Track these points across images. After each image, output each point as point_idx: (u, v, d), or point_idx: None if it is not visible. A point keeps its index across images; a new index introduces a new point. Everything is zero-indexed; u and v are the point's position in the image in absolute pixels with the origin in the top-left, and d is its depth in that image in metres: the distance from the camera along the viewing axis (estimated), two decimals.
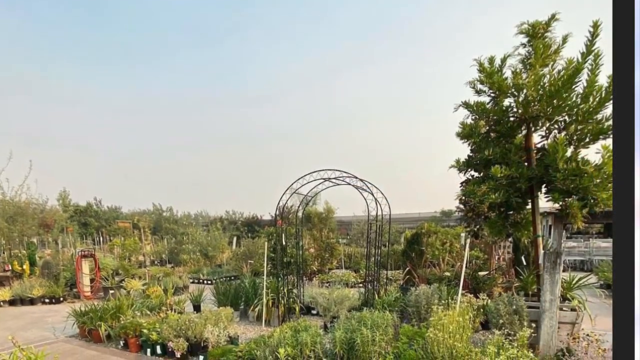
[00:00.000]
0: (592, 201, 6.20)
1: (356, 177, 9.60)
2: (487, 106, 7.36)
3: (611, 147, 5.81)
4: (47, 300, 14.35)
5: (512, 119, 7.29)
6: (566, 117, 6.83)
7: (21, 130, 66.01)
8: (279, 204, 10.16)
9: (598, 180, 5.99)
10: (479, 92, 7.49)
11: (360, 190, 9.99)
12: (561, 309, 6.46)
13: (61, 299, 14.64)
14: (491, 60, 7.23)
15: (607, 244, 23.85)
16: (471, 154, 7.88)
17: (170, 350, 7.60)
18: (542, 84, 6.65)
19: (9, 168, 19.18)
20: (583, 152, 6.62)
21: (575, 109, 6.51)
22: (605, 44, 6.27)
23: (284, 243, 11.20)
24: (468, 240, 9.05)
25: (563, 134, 6.77)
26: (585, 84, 6.37)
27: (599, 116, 6.43)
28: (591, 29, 6.19)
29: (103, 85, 70.80)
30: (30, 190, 19.84)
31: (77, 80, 68.22)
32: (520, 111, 7.01)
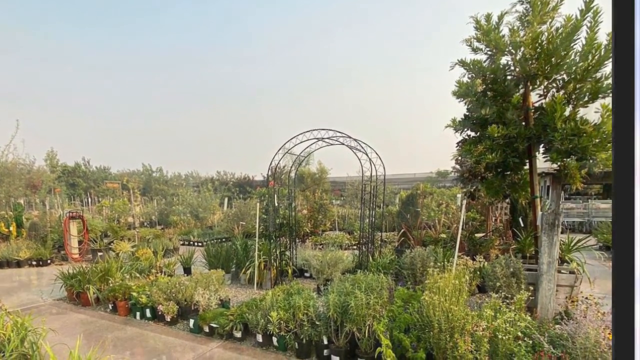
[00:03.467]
0: (591, 161, 6.19)
1: (350, 137, 9.51)
2: (484, 64, 7.17)
3: (610, 106, 5.69)
4: (34, 263, 14.15)
5: (509, 77, 7.13)
6: (564, 76, 6.65)
7: (8, 90, 64.77)
8: (271, 164, 10.02)
9: (597, 140, 5.91)
10: (475, 50, 7.30)
11: (355, 151, 9.90)
12: (559, 272, 6.41)
13: (49, 261, 14.44)
14: (488, 17, 7.02)
15: (606, 205, 23.79)
16: (467, 114, 7.70)
17: (160, 313, 7.46)
18: (539, 41, 6.45)
19: None
20: (582, 112, 6.46)
21: (573, 68, 6.32)
22: (604, 1, 6.13)
23: (276, 204, 11.03)
24: (464, 202, 8.99)
25: (561, 92, 6.61)
26: (583, 42, 6.15)
27: (598, 75, 6.26)
28: None
29: (91, 45, 69.38)
30: (17, 150, 19.44)
31: (65, 39, 66.78)
32: (517, 69, 6.85)
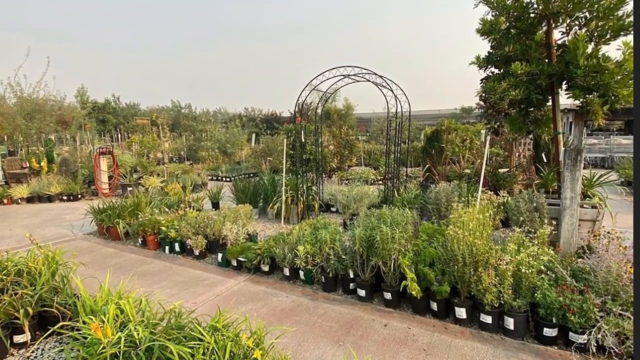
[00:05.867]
0: (612, 98, 6.17)
1: (376, 74, 9.43)
2: (508, 2, 7.00)
3: (632, 44, 5.75)
4: (64, 198, 14.43)
5: (532, 15, 6.96)
6: (587, 14, 6.51)
7: (38, 27, 64.69)
8: (298, 100, 9.93)
9: (619, 77, 5.92)
10: None
11: (380, 87, 9.83)
12: (582, 207, 6.35)
13: (79, 196, 14.70)
14: None
15: (627, 140, 23.81)
16: (491, 51, 7.68)
17: (188, 247, 7.57)
18: None
19: (27, 64, 18.80)
20: (604, 49, 6.33)
21: (595, 5, 6.21)
22: None
23: (303, 140, 10.91)
24: (488, 137, 9.01)
25: (584, 30, 6.53)
26: None
27: (620, 12, 6.14)
28: None
29: None
30: (48, 87, 19.49)
31: None
32: (540, 7, 6.70)
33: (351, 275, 5.70)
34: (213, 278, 6.44)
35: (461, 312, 4.75)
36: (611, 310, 3.98)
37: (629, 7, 6.05)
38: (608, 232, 5.10)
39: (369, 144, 27.00)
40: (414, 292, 4.80)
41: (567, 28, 6.92)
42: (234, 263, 6.82)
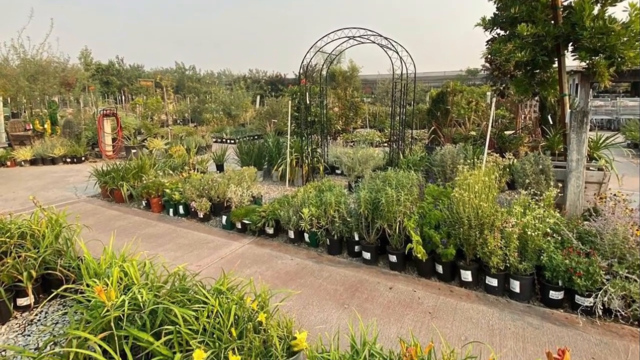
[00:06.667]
0: (619, 59, 6.17)
1: (381, 36, 9.38)
2: None
3: (638, 5, 5.78)
4: (68, 160, 14.39)
5: None
6: None
7: None
8: (303, 62, 9.87)
9: (625, 39, 5.96)
10: None
11: (385, 49, 9.77)
12: (588, 169, 6.30)
13: (83, 158, 14.68)
14: None
15: (634, 102, 23.89)
16: (497, 12, 7.61)
17: (192, 210, 7.55)
18: None
19: (30, 26, 18.59)
20: (610, 10, 6.32)
21: None
22: None
23: (308, 102, 10.77)
24: (494, 99, 8.95)
25: None
26: None
27: None
28: None
29: None
30: (52, 48, 19.40)
31: None
32: None
33: (356, 238, 5.67)
34: (217, 241, 6.44)
35: (467, 275, 4.73)
36: (617, 273, 3.94)
37: None
38: (614, 195, 5.09)
39: (374, 106, 26.76)
40: (419, 255, 4.78)
41: None
42: (239, 226, 6.81)
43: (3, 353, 3.54)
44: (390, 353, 2.67)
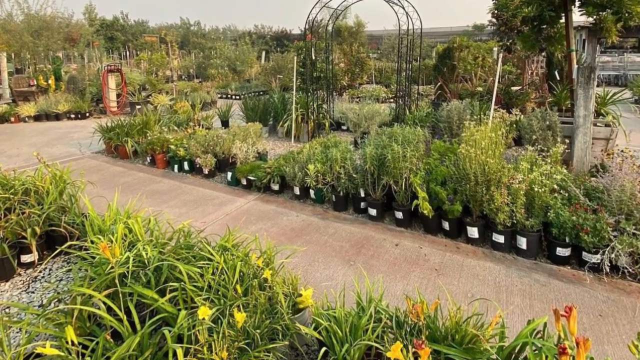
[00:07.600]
0: (626, 15, 6.10)
1: None
2: None
3: None
4: (72, 116, 14.32)
5: None
6: None
7: None
8: (308, 17, 9.65)
9: None
10: None
11: (391, 4, 9.61)
12: (595, 125, 6.23)
13: (87, 114, 14.59)
14: None
15: None
16: None
17: (197, 166, 7.51)
18: None
19: None
20: None
21: None
22: None
23: (313, 57, 10.58)
24: (501, 55, 8.93)
25: None
26: None
27: None
28: None
29: None
30: (56, 3, 19.15)
31: None
32: None
33: (362, 195, 5.63)
34: (222, 197, 6.42)
35: (473, 232, 4.70)
36: (625, 230, 3.89)
37: None
38: (622, 151, 5.08)
39: (380, 61, 26.29)
40: (425, 212, 4.74)
41: None
42: (244, 182, 6.78)
43: (7, 310, 3.57)
44: (396, 310, 2.66)
